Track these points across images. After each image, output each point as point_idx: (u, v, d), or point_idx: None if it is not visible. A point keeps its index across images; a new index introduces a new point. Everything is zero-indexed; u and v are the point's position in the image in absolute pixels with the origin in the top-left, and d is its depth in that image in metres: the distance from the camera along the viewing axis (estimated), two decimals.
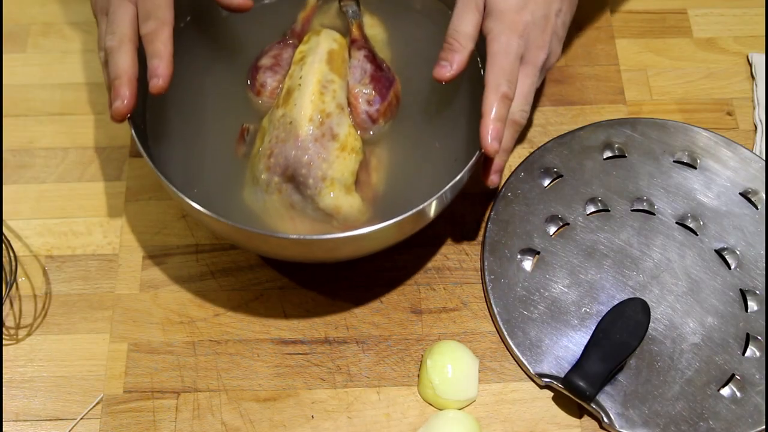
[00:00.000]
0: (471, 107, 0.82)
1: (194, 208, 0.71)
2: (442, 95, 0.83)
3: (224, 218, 0.70)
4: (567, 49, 0.72)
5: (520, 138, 0.92)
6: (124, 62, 0.72)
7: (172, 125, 0.82)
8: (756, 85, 0.96)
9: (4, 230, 0.86)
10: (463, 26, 0.75)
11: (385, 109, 0.79)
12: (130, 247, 0.86)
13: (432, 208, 0.74)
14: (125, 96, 0.72)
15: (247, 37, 0.86)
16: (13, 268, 0.81)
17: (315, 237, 0.71)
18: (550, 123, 0.93)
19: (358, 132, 0.79)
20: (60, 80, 0.96)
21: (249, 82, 0.82)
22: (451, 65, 0.74)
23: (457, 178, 0.73)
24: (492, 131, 0.72)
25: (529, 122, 0.93)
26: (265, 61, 0.81)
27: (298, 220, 0.76)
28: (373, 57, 0.81)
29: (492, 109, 0.72)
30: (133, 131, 0.74)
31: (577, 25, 0.73)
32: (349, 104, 0.78)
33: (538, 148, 0.90)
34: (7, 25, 1.00)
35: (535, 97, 0.83)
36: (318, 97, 0.76)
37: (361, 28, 0.84)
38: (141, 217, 0.88)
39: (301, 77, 0.77)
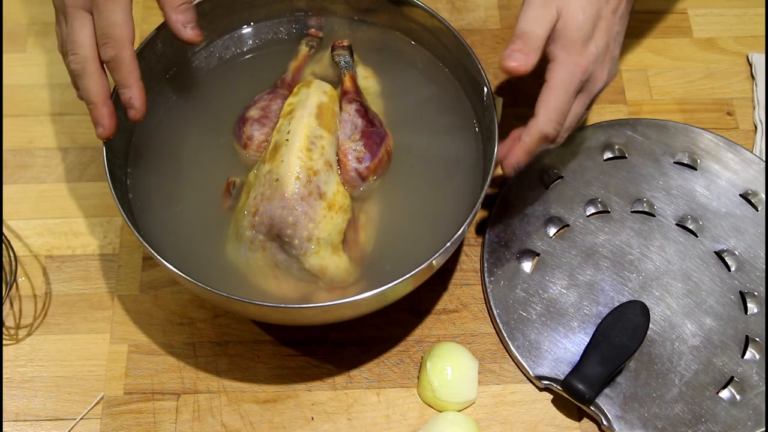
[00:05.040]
0: (464, 162, 0.80)
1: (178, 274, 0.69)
2: (434, 150, 0.81)
3: (203, 283, 0.68)
4: None
5: None
6: (94, 86, 0.71)
7: (156, 175, 0.80)
8: (756, 85, 0.96)
9: (4, 230, 0.86)
10: (537, 29, 0.70)
11: (375, 166, 0.76)
12: (130, 247, 0.86)
13: (423, 273, 0.72)
14: (104, 122, 0.71)
15: (236, 86, 0.83)
16: (13, 268, 0.82)
17: (292, 306, 0.70)
18: None
19: (347, 189, 0.76)
20: (60, 80, 0.96)
21: (236, 135, 0.79)
22: (525, 61, 0.69)
23: (448, 244, 0.71)
24: (516, 163, 0.72)
25: None
26: (253, 112, 0.78)
27: (283, 279, 0.74)
28: (365, 111, 0.78)
29: (528, 144, 0.71)
30: (111, 188, 0.72)
31: None
32: (339, 160, 0.76)
33: None
34: (7, 25, 1.00)
35: None
36: (306, 153, 0.73)
37: (353, 79, 0.81)
38: None
39: (288, 132, 0.74)
